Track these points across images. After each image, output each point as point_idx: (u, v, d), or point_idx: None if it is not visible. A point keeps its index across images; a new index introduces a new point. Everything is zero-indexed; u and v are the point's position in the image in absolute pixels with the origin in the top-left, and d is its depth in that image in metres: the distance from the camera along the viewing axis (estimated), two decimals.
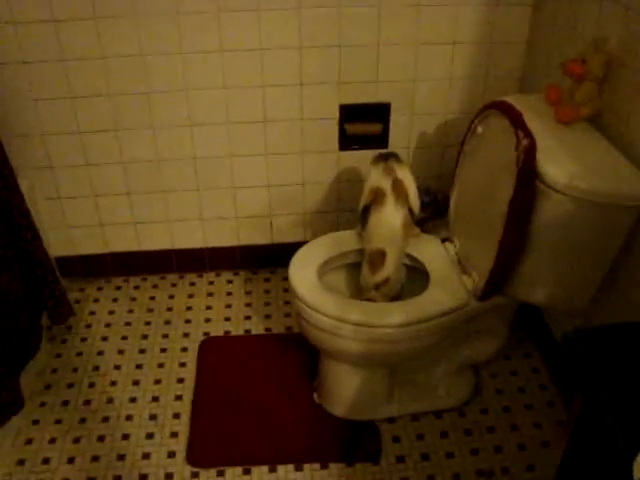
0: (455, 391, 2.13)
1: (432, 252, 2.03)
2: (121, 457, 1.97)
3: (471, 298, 1.86)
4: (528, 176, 1.59)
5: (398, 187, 1.94)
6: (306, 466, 1.96)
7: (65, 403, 2.13)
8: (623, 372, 1.05)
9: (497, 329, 2.06)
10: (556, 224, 1.62)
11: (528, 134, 1.61)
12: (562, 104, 1.79)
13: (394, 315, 1.78)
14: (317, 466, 1.96)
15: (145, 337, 2.38)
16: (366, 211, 1.98)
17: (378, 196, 1.94)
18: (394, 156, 2.01)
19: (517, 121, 1.65)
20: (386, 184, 1.94)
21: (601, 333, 1.09)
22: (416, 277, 2.02)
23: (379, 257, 1.93)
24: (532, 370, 2.26)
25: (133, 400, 2.14)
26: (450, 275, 1.94)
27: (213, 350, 2.32)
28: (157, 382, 2.21)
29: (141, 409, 2.11)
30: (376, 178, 1.97)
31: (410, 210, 1.97)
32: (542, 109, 1.83)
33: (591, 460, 1.13)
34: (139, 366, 2.26)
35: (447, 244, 2.06)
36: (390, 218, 1.93)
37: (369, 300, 1.95)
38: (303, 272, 1.91)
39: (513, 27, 2.22)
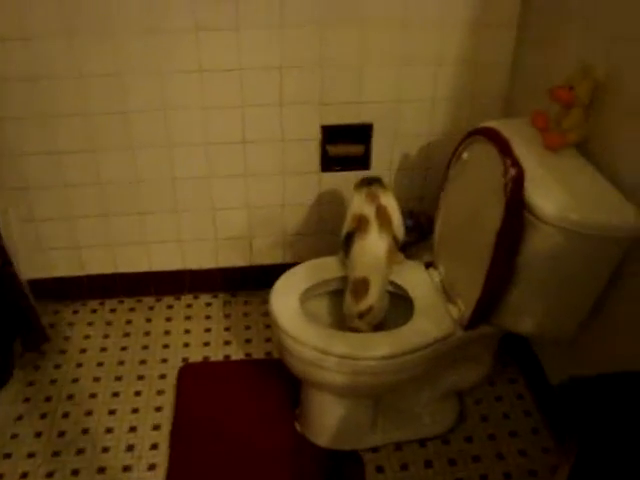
0: (439, 418, 2.10)
1: (416, 279, 2.00)
2: None
3: (457, 328, 1.83)
4: (516, 207, 1.56)
5: (382, 214, 1.90)
6: None
7: (38, 435, 2.06)
8: (618, 421, 1.02)
9: (482, 357, 2.03)
10: (545, 255, 1.59)
11: (516, 163, 1.57)
12: (549, 130, 1.76)
13: (379, 347, 1.73)
14: None
15: (122, 363, 2.31)
16: (349, 238, 1.93)
17: (362, 223, 1.89)
18: (378, 181, 1.97)
19: (504, 149, 1.62)
20: (370, 211, 1.89)
21: (597, 382, 1.05)
22: (400, 304, 1.98)
23: (363, 286, 1.88)
24: (517, 396, 2.23)
25: (109, 431, 2.08)
26: (435, 303, 1.90)
27: (192, 377, 2.26)
28: (134, 411, 2.14)
29: (118, 440, 2.05)
30: (359, 204, 1.93)
31: (394, 237, 1.93)
32: (528, 134, 1.80)
33: None
34: (115, 394, 2.20)
35: (431, 270, 2.03)
36: (374, 246, 1.89)
37: (353, 329, 1.91)
38: (285, 301, 1.86)
39: (498, 49, 2.19)
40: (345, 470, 1.98)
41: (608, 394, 1.05)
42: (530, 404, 2.20)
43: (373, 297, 1.88)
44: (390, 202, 1.94)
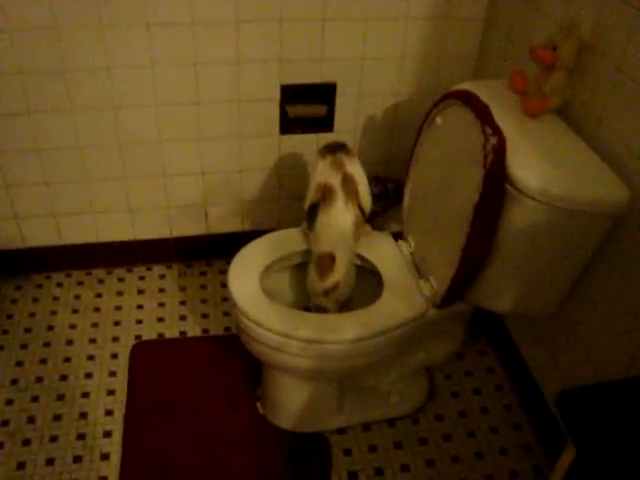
0: (408, 397, 2.00)
1: (385, 252, 1.87)
2: None
3: (429, 306, 1.71)
4: (497, 179, 1.43)
5: (348, 183, 1.76)
6: None
7: None
8: (618, 431, 0.93)
9: (453, 332, 1.93)
10: (525, 231, 1.47)
11: (497, 131, 1.44)
12: (528, 94, 1.63)
13: (347, 330, 1.61)
14: None
15: (70, 343, 2.16)
16: (313, 209, 1.79)
17: (327, 194, 1.75)
18: (343, 148, 1.82)
19: (484, 115, 1.48)
20: (335, 180, 1.76)
21: (595, 391, 0.95)
22: (367, 279, 1.86)
23: (328, 261, 1.76)
24: (487, 370, 2.15)
25: (57, 418, 1.93)
26: (405, 280, 1.78)
27: (146, 356, 2.12)
28: (84, 395, 2.00)
29: (67, 428, 1.91)
30: (324, 173, 1.78)
31: (361, 208, 1.80)
32: (506, 98, 1.67)
33: None
34: (64, 377, 2.05)
35: (401, 243, 1.90)
36: (340, 218, 1.75)
37: (318, 307, 1.78)
38: (244, 281, 1.72)
39: (470, 3, 2.04)
40: (310, 453, 1.88)
41: (606, 404, 0.95)
42: (501, 378, 2.12)
43: (339, 273, 1.76)
44: (357, 170, 1.80)
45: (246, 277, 1.73)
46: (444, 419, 2.00)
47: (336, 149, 1.81)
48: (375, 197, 2.05)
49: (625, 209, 1.43)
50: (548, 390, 1.89)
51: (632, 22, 1.40)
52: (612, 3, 1.46)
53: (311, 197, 1.81)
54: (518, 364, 2.03)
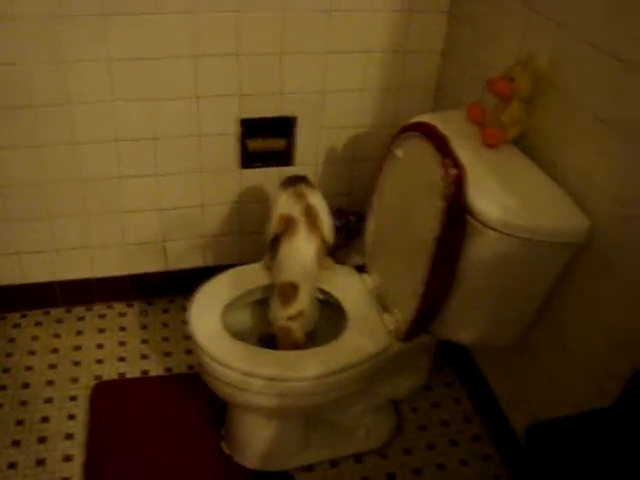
0: (375, 431, 1.97)
1: (348, 286, 1.85)
2: None
3: (393, 340, 1.69)
4: (457, 211, 1.43)
5: (310, 214, 1.75)
6: None
7: None
8: (587, 464, 0.91)
9: (419, 364, 1.92)
10: (487, 261, 1.47)
11: (456, 163, 1.44)
12: (486, 124, 1.64)
13: (309, 366, 1.58)
14: None
15: (26, 386, 2.09)
16: (275, 240, 1.77)
17: (289, 224, 1.74)
18: (304, 180, 1.81)
19: (443, 148, 1.48)
20: (297, 211, 1.74)
21: (563, 425, 0.93)
22: (330, 313, 1.84)
23: (291, 290, 1.74)
24: (455, 401, 2.13)
25: (12, 466, 1.85)
26: (369, 313, 1.76)
27: (107, 397, 2.06)
28: (42, 441, 1.93)
29: (23, 476, 1.83)
30: (286, 205, 1.77)
31: (323, 240, 1.78)
32: (465, 129, 1.68)
33: None
34: (20, 422, 1.97)
35: (364, 276, 1.89)
36: (302, 249, 1.73)
37: (282, 330, 1.75)
38: (205, 318, 1.68)
39: (428, 36, 2.05)
40: None
41: (576, 436, 0.93)
42: (469, 409, 2.11)
43: (303, 302, 1.75)
44: (318, 201, 1.79)
45: (207, 314, 1.69)
46: (412, 453, 1.97)
47: (297, 181, 1.80)
48: (337, 230, 2.03)
49: (585, 238, 1.43)
50: (515, 419, 1.87)
51: (586, 56, 1.42)
52: (567, 37, 1.48)
53: (273, 228, 1.79)
54: (485, 394, 2.02)
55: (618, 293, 1.40)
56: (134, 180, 2.13)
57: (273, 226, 1.81)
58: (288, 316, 1.75)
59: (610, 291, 1.42)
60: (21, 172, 2.04)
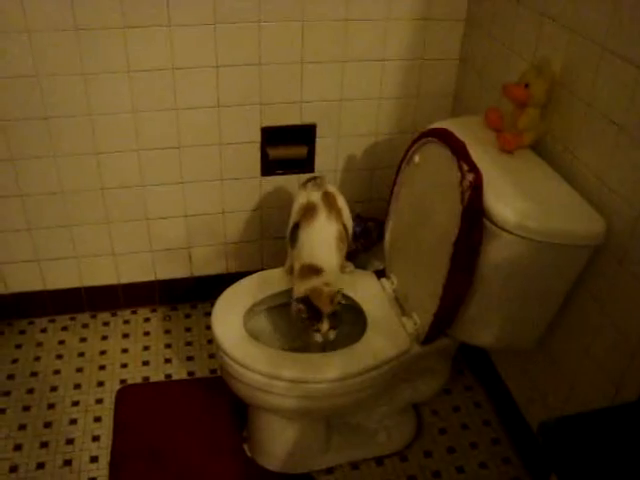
0: (396, 434, 1.99)
1: (368, 290, 1.88)
2: None
3: (413, 343, 1.72)
4: (475, 215, 1.45)
5: (329, 200, 1.79)
6: None
7: None
8: (600, 462, 0.93)
9: (439, 368, 1.93)
10: (505, 265, 1.49)
11: (473, 168, 1.46)
12: (503, 130, 1.66)
13: (331, 369, 1.61)
14: None
15: (54, 389, 2.14)
16: (295, 228, 1.80)
17: (308, 210, 1.77)
18: (322, 177, 1.86)
19: (460, 152, 1.51)
20: (316, 197, 1.79)
21: (578, 421, 0.95)
22: (351, 317, 1.86)
23: (313, 270, 1.69)
24: (475, 404, 2.15)
25: (41, 466, 1.90)
26: (389, 317, 1.79)
27: (131, 400, 2.10)
28: (69, 442, 1.97)
29: (51, 476, 1.88)
30: (305, 195, 1.82)
31: (344, 226, 1.80)
32: (482, 135, 1.70)
33: None
34: (47, 425, 2.02)
35: (383, 280, 1.91)
36: (323, 229, 1.75)
37: (314, 291, 1.64)
38: (228, 322, 1.72)
39: (445, 43, 2.09)
40: None
41: (590, 432, 0.95)
42: (489, 413, 2.12)
43: (328, 277, 1.68)
44: (335, 190, 1.85)
45: (230, 318, 1.73)
46: (433, 455, 1.99)
47: (316, 177, 1.85)
48: (356, 236, 2.07)
49: (601, 240, 1.45)
50: (535, 423, 1.89)
51: (599, 60, 1.44)
52: (581, 42, 1.50)
53: (294, 218, 1.83)
54: (504, 398, 2.03)
55: (637, 293, 1.41)
56: (158, 188, 2.18)
57: (293, 217, 1.84)
58: (313, 285, 1.66)
59: (629, 292, 1.43)
60: (44, 181, 2.10)
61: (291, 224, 1.85)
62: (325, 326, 1.62)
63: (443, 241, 1.54)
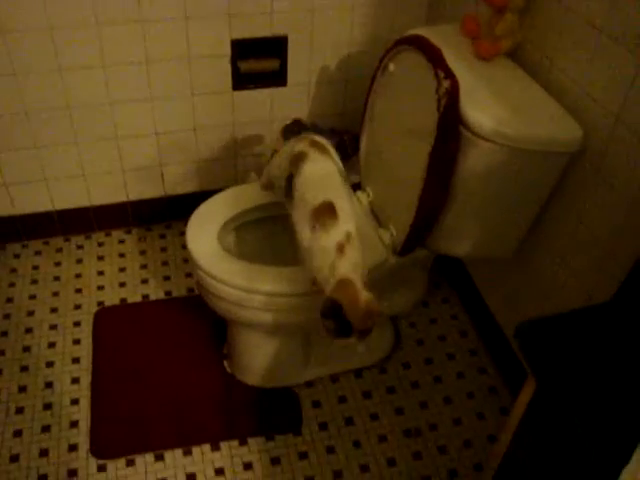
0: (375, 346, 2.01)
1: None
2: (14, 458, 1.76)
3: (390, 254, 1.71)
4: (451, 123, 1.43)
5: (318, 145, 1.61)
6: (223, 444, 1.81)
7: None
8: (578, 361, 0.94)
9: (416, 280, 1.94)
10: (482, 173, 1.47)
11: (449, 74, 1.43)
12: (481, 37, 1.62)
13: (306, 281, 1.60)
14: (235, 443, 1.82)
15: (31, 314, 2.12)
16: (290, 179, 1.61)
17: (299, 158, 1.57)
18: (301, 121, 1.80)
19: (436, 59, 1.47)
20: (304, 146, 1.59)
21: (554, 322, 0.95)
22: None
23: (327, 211, 1.41)
24: (452, 317, 2.17)
25: (22, 389, 1.91)
26: (365, 229, 1.78)
27: (109, 322, 2.10)
28: (49, 365, 1.97)
29: (33, 399, 1.88)
30: (291, 147, 1.64)
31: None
32: (459, 42, 1.66)
33: (543, 446, 1.02)
34: (26, 349, 2.01)
35: (359, 193, 1.89)
36: (320, 166, 1.54)
37: (342, 285, 1.34)
38: (203, 239, 1.70)
39: None
40: (280, 407, 1.89)
41: (566, 333, 0.96)
42: (465, 324, 2.15)
43: (346, 219, 1.40)
44: (324, 141, 1.66)
45: (205, 235, 1.71)
46: (411, 367, 2.02)
47: (297, 122, 1.77)
48: None
49: (578, 147, 1.43)
50: (511, 333, 1.91)
51: None
52: None
53: (284, 171, 1.63)
54: (481, 309, 2.05)
55: (612, 200, 1.41)
56: (127, 105, 2.11)
57: (283, 170, 1.64)
58: (336, 241, 1.37)
59: (605, 199, 1.43)
60: (7, 102, 2.02)
61: (284, 175, 1.65)
62: (354, 341, 1.38)
63: (419, 151, 1.52)
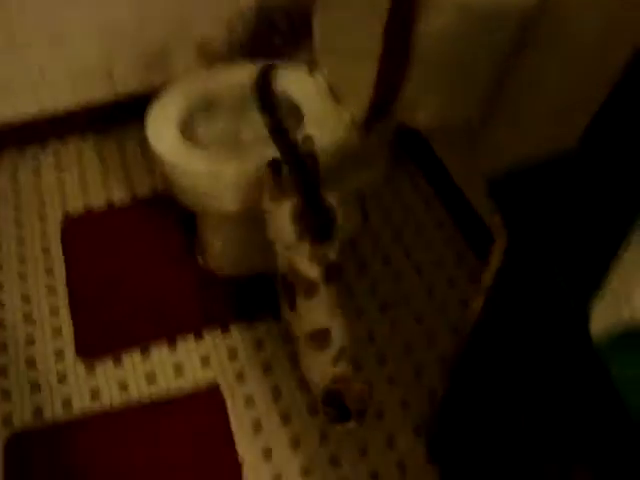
0: (344, 224, 2.03)
1: (301, 84, 1.83)
2: (2, 372, 1.78)
3: (351, 131, 1.71)
4: None
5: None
6: (206, 333, 1.84)
7: None
8: (551, 212, 0.96)
9: (380, 156, 1.95)
10: (438, 37, 1.45)
11: None
12: None
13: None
14: (218, 331, 1.85)
15: None
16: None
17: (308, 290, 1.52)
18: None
19: None
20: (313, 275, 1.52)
21: (527, 174, 0.97)
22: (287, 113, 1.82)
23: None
24: (416, 189, 2.18)
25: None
26: (324, 108, 1.75)
27: (77, 231, 2.08)
28: (22, 278, 1.97)
29: (12, 313, 1.89)
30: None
31: None
32: None
33: (520, 302, 1.06)
34: None
35: (315, 73, 1.86)
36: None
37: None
38: (164, 129, 1.66)
39: None
40: (257, 294, 1.92)
41: (539, 184, 0.97)
42: (429, 195, 2.15)
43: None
44: None
45: (165, 126, 1.67)
46: (382, 238, 2.05)
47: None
48: (282, 32, 1.99)
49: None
50: (474, 199, 1.94)
51: None
52: None
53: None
54: (446, 182, 2.07)
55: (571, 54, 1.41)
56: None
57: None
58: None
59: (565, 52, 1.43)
60: None
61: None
62: (353, 425, 1.48)
63: (375, 22, 1.49)
